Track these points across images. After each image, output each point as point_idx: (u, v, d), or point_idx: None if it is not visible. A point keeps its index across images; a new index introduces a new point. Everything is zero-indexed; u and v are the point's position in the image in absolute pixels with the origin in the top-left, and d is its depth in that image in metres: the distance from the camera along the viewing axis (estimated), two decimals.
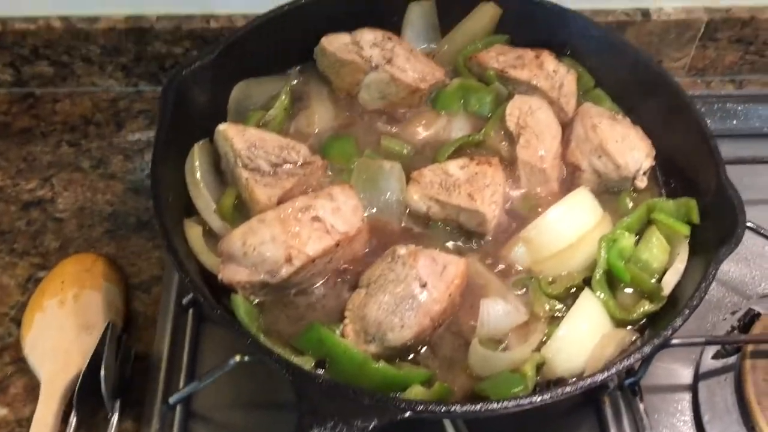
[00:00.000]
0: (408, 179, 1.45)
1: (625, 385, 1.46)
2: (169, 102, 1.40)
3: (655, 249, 1.38)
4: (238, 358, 1.30)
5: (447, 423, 1.30)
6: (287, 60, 1.67)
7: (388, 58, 1.57)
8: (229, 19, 1.88)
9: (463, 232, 1.43)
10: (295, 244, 1.27)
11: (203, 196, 1.39)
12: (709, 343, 1.44)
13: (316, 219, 1.31)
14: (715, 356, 1.51)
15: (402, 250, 1.29)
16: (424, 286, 1.25)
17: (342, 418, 1.06)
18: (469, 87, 1.62)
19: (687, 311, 1.21)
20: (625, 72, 1.62)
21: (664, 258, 1.38)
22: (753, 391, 1.40)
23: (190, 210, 1.41)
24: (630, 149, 1.47)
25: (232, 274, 1.28)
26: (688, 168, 1.49)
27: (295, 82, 1.64)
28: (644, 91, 1.59)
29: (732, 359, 1.48)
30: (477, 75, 1.66)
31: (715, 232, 1.33)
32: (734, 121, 1.94)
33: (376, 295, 1.26)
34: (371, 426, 1.06)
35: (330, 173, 1.48)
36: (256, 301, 1.31)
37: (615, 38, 1.65)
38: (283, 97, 1.57)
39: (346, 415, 1.07)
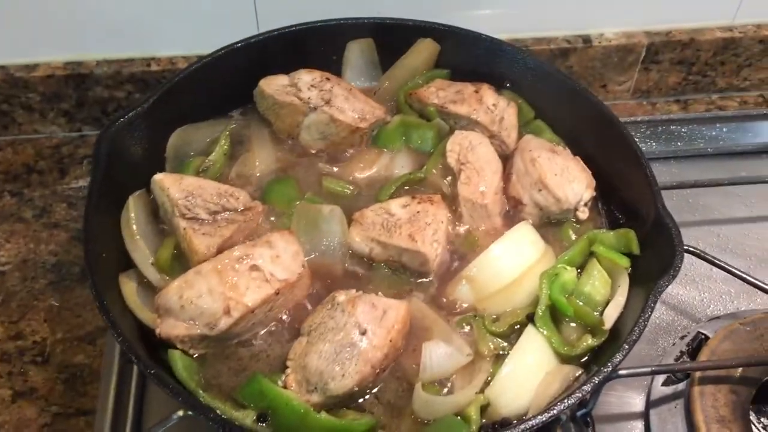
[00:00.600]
0: (350, 220, 1.44)
1: (577, 417, 1.45)
2: (102, 154, 1.38)
3: (596, 282, 1.38)
4: (181, 412, 1.28)
5: None
6: (227, 103, 1.66)
7: (327, 99, 1.56)
8: (170, 62, 1.87)
9: (406, 272, 1.42)
10: (233, 295, 1.25)
11: (140, 249, 1.36)
12: (655, 372, 1.44)
13: (254, 268, 1.29)
14: (666, 383, 1.51)
15: (341, 297, 1.28)
16: (364, 333, 1.23)
17: None
18: (411, 123, 1.62)
19: (627, 346, 1.21)
20: (564, 102, 1.63)
21: (606, 290, 1.38)
22: (702, 418, 1.40)
23: (128, 262, 1.39)
24: (569, 182, 1.47)
25: (169, 328, 1.26)
26: (629, 197, 1.50)
27: (234, 125, 1.63)
28: (582, 120, 1.60)
29: (682, 385, 1.49)
30: (418, 111, 1.66)
31: (656, 263, 1.34)
32: (679, 143, 1.96)
33: (316, 343, 1.24)
34: None
35: (272, 218, 1.47)
36: (196, 354, 1.29)
37: (551, 69, 1.65)
38: (223, 141, 1.56)
39: None
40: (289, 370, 1.26)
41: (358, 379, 1.21)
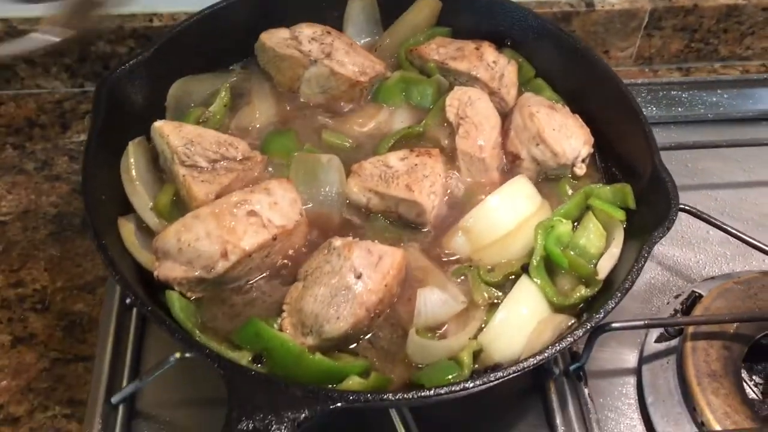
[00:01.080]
0: (348, 172, 1.44)
1: (570, 371, 1.47)
2: (103, 101, 1.39)
3: (592, 234, 1.39)
4: (178, 354, 1.31)
5: (393, 413, 1.30)
6: (228, 56, 1.67)
7: (327, 53, 1.56)
8: (172, 17, 1.87)
9: (403, 223, 1.43)
10: (231, 239, 1.26)
11: (139, 194, 1.38)
12: (649, 326, 1.45)
13: (252, 213, 1.30)
14: (658, 339, 1.52)
15: (337, 242, 1.29)
16: (359, 277, 1.24)
17: (272, 410, 1.05)
18: (410, 79, 1.62)
19: (619, 294, 1.22)
20: (564, 61, 1.63)
21: (602, 243, 1.39)
22: (693, 373, 1.41)
23: (127, 208, 1.40)
24: (567, 137, 1.48)
25: (167, 271, 1.27)
26: (626, 154, 1.50)
27: (235, 78, 1.63)
28: (583, 79, 1.60)
29: (674, 342, 1.50)
30: (418, 67, 1.66)
31: (651, 217, 1.34)
32: (680, 108, 1.97)
33: (312, 287, 1.26)
34: (302, 417, 1.06)
35: (270, 169, 1.48)
36: (194, 297, 1.30)
37: (553, 28, 1.65)
38: (223, 93, 1.56)
39: (277, 407, 1.06)
40: (285, 314, 1.27)
41: (352, 321, 1.22)
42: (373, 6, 1.70)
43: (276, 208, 1.33)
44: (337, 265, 1.26)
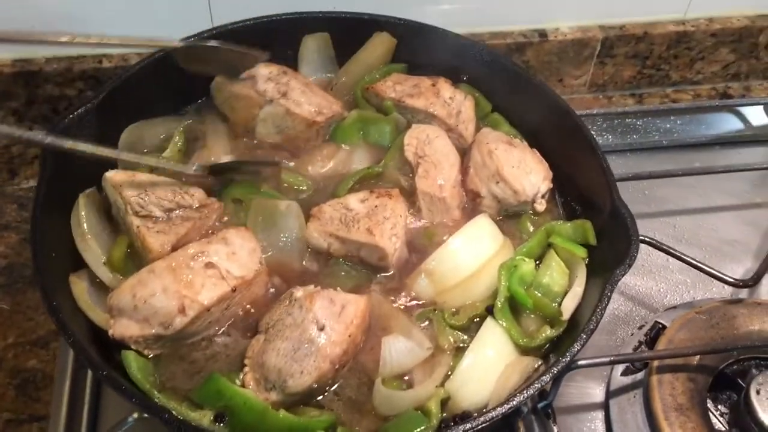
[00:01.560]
0: (308, 216, 1.42)
1: (538, 409, 1.46)
2: (51, 152, 1.34)
3: (554, 273, 1.39)
4: (137, 414, 1.26)
5: None
6: (181, 99, 1.64)
7: (283, 92, 1.54)
8: (123, 58, 1.83)
9: (365, 267, 1.41)
10: (188, 293, 1.23)
11: (91, 249, 1.33)
12: (614, 362, 1.45)
13: (210, 265, 1.27)
14: (624, 373, 1.52)
15: (298, 293, 1.26)
16: (322, 329, 1.22)
17: None
18: (368, 118, 1.61)
19: (584, 336, 1.22)
20: (520, 96, 1.63)
21: (565, 281, 1.39)
22: (660, 407, 1.41)
23: (79, 263, 1.35)
24: (527, 174, 1.48)
25: (123, 329, 1.23)
26: (585, 188, 1.51)
27: (189, 121, 1.60)
28: (539, 114, 1.60)
29: (640, 375, 1.50)
30: (375, 105, 1.65)
31: (612, 252, 1.35)
32: (635, 136, 1.98)
33: (274, 340, 1.23)
34: None
35: (226, 218, 1.44)
36: (151, 355, 1.26)
37: (507, 63, 1.66)
38: (177, 138, 1.53)
39: None
40: (246, 369, 1.24)
41: (316, 375, 1.20)
42: (327, 44, 1.69)
43: (234, 258, 1.29)
44: (299, 317, 1.23)
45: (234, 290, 1.27)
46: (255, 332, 1.29)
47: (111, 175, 1.38)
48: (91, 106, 1.43)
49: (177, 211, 1.37)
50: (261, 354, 1.23)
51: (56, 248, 1.30)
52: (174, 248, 1.32)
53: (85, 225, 1.34)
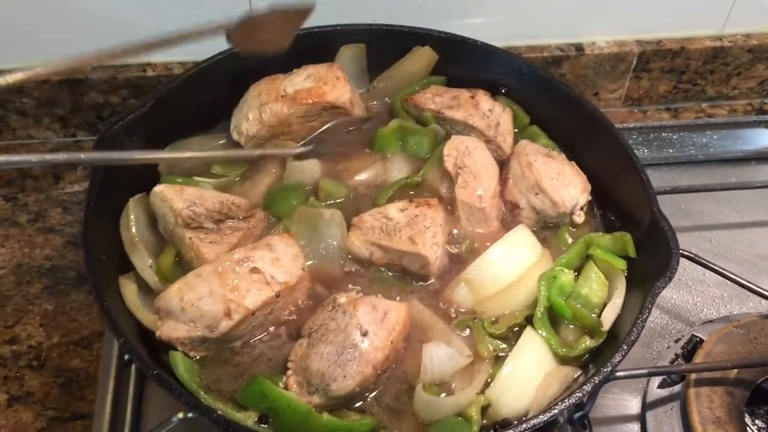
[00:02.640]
0: (348, 225, 1.44)
1: (574, 419, 1.46)
2: None
3: (594, 284, 1.40)
4: (181, 415, 1.28)
5: None
6: (223, 108, 1.66)
7: None
8: (166, 67, 1.87)
9: (406, 275, 1.43)
10: (234, 297, 1.25)
11: (139, 253, 1.36)
12: (652, 374, 1.46)
13: (255, 270, 1.29)
14: (661, 385, 1.52)
15: (342, 299, 1.28)
16: (365, 334, 1.24)
17: None
18: (407, 129, 1.63)
19: (625, 347, 1.23)
20: (558, 108, 1.65)
21: (604, 292, 1.40)
22: (698, 420, 1.41)
23: (127, 265, 1.39)
24: (565, 186, 1.49)
25: (170, 330, 1.26)
26: (623, 201, 1.52)
27: (223, 141, 1.62)
28: (578, 126, 1.62)
29: (677, 388, 1.50)
30: (414, 116, 1.67)
31: (651, 265, 1.36)
32: (670, 150, 1.99)
33: (317, 345, 1.25)
34: None
35: (272, 221, 1.48)
36: (197, 357, 1.29)
37: (546, 75, 1.68)
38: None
39: None
40: (290, 372, 1.26)
41: (359, 380, 1.22)
42: (363, 56, 1.71)
43: (278, 264, 1.32)
44: (342, 322, 1.25)
45: (278, 295, 1.30)
46: (297, 336, 1.32)
47: (160, 189, 1.40)
48: (140, 113, 1.47)
49: (226, 222, 1.40)
50: (304, 358, 1.25)
51: (106, 251, 1.34)
52: None
53: (133, 229, 1.38)
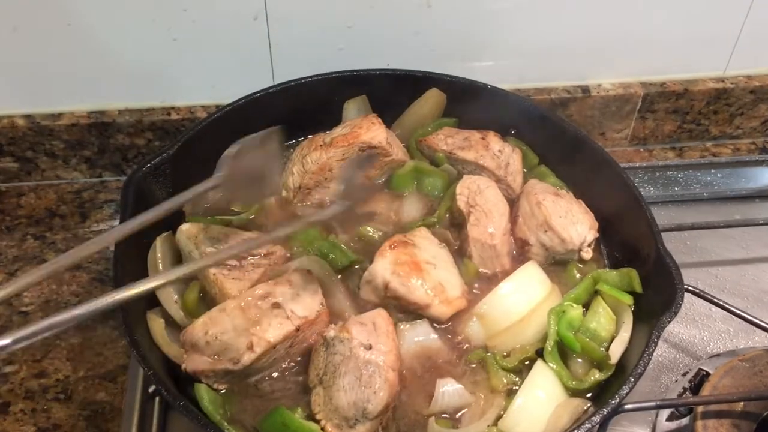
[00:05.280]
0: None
1: None
2: (130, 197, 1.46)
3: (602, 318, 1.45)
4: None
5: None
6: None
7: None
8: (189, 111, 1.95)
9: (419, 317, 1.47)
10: (256, 331, 1.31)
11: (166, 289, 1.43)
12: (660, 407, 1.49)
13: (276, 306, 1.35)
14: (670, 418, 1.56)
15: (330, 333, 1.33)
16: (370, 348, 1.29)
17: None
18: (423, 170, 1.70)
19: (632, 379, 1.27)
20: (566, 148, 1.71)
21: (611, 327, 1.45)
22: None
23: (154, 300, 1.45)
24: (573, 224, 1.55)
25: (195, 363, 1.32)
26: (629, 238, 1.57)
27: None
28: (585, 166, 1.68)
29: (685, 420, 1.53)
30: (428, 156, 1.74)
31: (657, 300, 1.41)
32: (676, 188, 2.04)
33: (335, 383, 1.29)
34: None
35: (289, 256, 1.54)
36: (222, 390, 1.34)
37: (554, 117, 1.75)
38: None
39: None
40: (322, 422, 1.29)
41: (388, 387, 1.27)
42: (366, 105, 1.79)
43: (298, 299, 1.38)
44: (345, 350, 1.30)
45: (298, 329, 1.35)
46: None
47: (186, 227, 1.48)
48: (167, 155, 1.55)
49: (248, 259, 1.47)
50: (329, 401, 1.29)
51: None
52: None
53: (160, 265, 1.45)
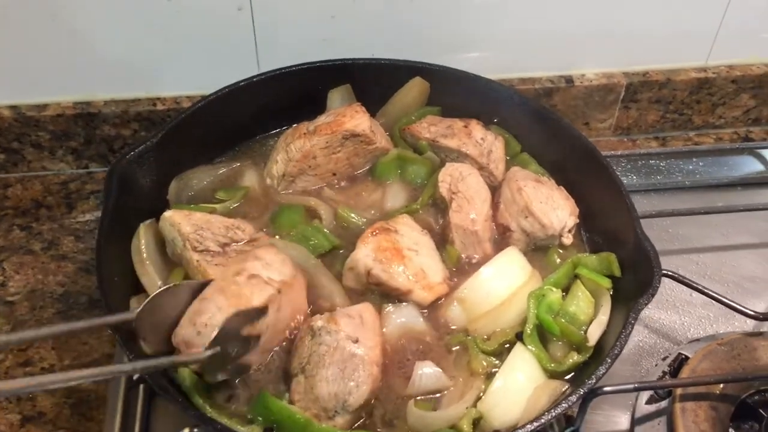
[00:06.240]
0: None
1: None
2: (114, 185, 1.47)
3: (581, 302, 1.46)
4: (187, 430, 1.34)
5: None
6: (231, 140, 1.76)
7: None
8: (175, 101, 1.96)
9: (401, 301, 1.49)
10: (242, 302, 1.29)
11: (149, 274, 1.44)
12: (638, 389, 1.51)
13: (252, 276, 1.33)
14: (649, 401, 1.58)
15: (318, 323, 1.34)
16: (356, 341, 1.31)
17: None
18: (406, 158, 1.71)
19: (609, 360, 1.29)
20: (548, 137, 1.73)
21: (590, 310, 1.46)
22: None
23: (137, 287, 1.46)
24: (554, 209, 1.57)
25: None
26: (609, 224, 1.59)
27: (223, 170, 1.72)
28: (566, 153, 1.70)
29: (664, 403, 1.55)
30: (411, 145, 1.76)
31: (635, 283, 1.43)
32: (658, 177, 2.06)
33: (317, 373, 1.30)
34: None
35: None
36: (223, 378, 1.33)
37: (536, 106, 1.76)
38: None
39: None
40: (301, 410, 1.29)
41: (370, 382, 1.28)
42: (350, 94, 1.80)
43: (271, 268, 1.35)
44: (332, 341, 1.31)
45: (279, 291, 1.33)
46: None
47: (169, 214, 1.48)
48: (151, 144, 1.55)
49: (231, 245, 1.48)
50: (309, 390, 1.29)
51: (117, 273, 1.42)
52: None
53: (144, 252, 1.46)
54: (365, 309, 1.38)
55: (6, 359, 1.64)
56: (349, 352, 1.30)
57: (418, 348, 1.42)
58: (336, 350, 1.31)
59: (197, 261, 1.42)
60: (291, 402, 1.31)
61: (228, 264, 1.43)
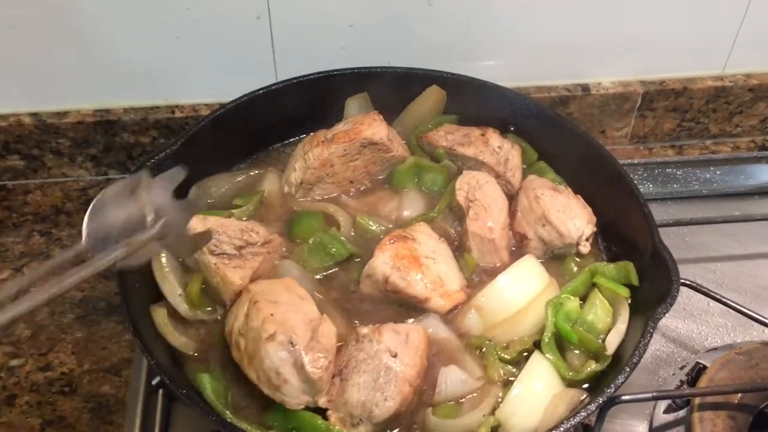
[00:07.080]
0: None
1: None
2: None
3: (599, 311, 1.46)
4: None
5: None
6: (250, 147, 1.78)
7: None
8: (193, 109, 1.98)
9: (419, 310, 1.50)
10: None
11: (169, 282, 1.45)
12: (656, 398, 1.51)
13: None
14: (667, 410, 1.57)
15: (365, 330, 1.36)
16: (395, 356, 1.31)
17: None
18: (423, 166, 1.72)
19: (628, 369, 1.29)
20: (565, 145, 1.73)
21: (608, 319, 1.46)
22: None
23: (157, 295, 1.48)
24: (571, 218, 1.57)
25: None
26: (627, 233, 1.59)
27: (242, 177, 1.73)
28: (583, 162, 1.70)
29: (682, 413, 1.55)
30: (428, 153, 1.77)
31: (653, 292, 1.42)
32: (675, 185, 2.06)
33: (351, 378, 1.31)
34: None
35: (284, 249, 1.58)
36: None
37: (553, 114, 1.77)
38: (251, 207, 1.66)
39: None
40: (329, 411, 1.31)
41: (400, 399, 1.28)
42: (367, 102, 1.81)
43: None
44: (371, 350, 1.32)
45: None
46: None
47: None
48: (170, 152, 1.56)
49: (247, 248, 1.49)
50: (341, 393, 1.30)
51: (138, 280, 1.43)
52: (251, 280, 1.44)
53: (163, 259, 1.47)
54: (414, 329, 1.38)
55: (27, 364, 1.66)
56: (385, 364, 1.30)
57: (441, 355, 1.42)
58: (373, 359, 1.32)
59: (214, 264, 1.44)
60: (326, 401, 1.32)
61: (246, 266, 1.45)
